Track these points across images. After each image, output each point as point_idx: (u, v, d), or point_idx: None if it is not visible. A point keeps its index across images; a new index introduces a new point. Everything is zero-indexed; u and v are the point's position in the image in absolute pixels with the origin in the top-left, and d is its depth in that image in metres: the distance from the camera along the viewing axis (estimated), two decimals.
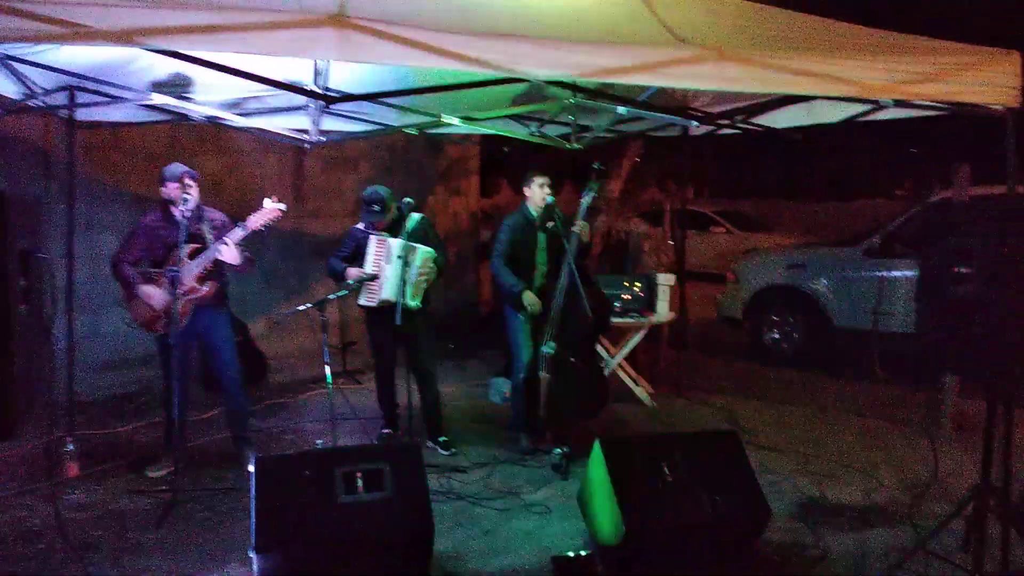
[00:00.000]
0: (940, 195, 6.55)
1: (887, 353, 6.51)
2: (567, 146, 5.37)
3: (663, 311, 6.23)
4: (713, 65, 3.02)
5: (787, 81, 3.11)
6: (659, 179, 9.40)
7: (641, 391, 6.13)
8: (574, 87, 4.14)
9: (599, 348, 6.02)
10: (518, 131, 5.40)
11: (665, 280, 6.27)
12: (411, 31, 2.78)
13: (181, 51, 2.90)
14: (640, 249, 6.99)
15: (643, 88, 4.39)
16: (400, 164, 8.28)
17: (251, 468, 3.07)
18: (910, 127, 4.89)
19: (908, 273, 6.55)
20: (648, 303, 6.15)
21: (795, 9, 4.07)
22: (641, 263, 6.92)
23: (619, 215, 8.34)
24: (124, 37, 2.54)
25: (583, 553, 3.48)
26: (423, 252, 4.68)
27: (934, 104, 3.50)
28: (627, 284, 6.14)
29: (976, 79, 3.38)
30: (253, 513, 2.95)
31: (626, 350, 6.10)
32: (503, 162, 12.13)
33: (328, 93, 4.02)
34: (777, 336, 7.81)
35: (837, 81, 3.14)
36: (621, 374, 6.14)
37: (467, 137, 8.72)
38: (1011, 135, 3.51)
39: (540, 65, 2.83)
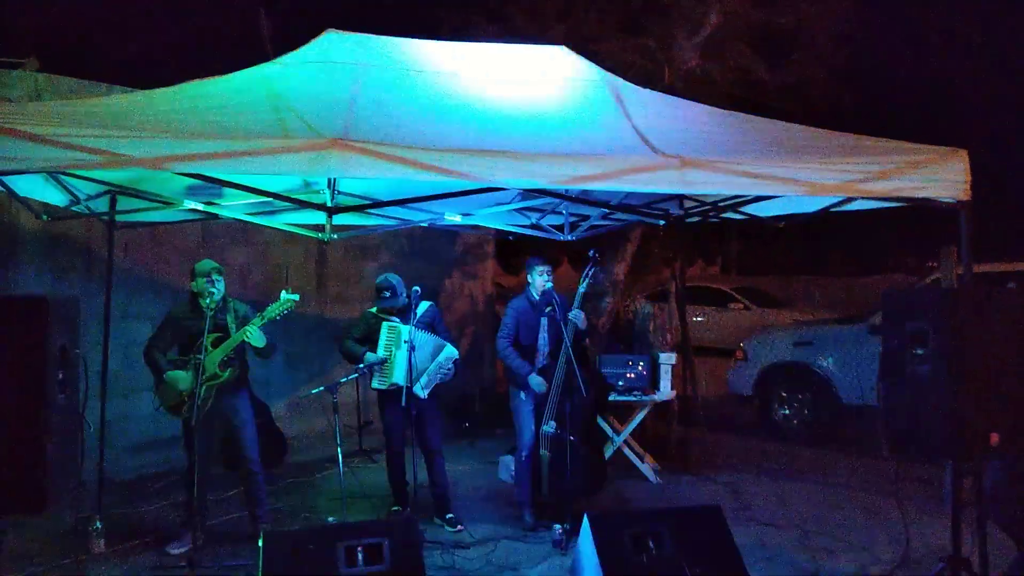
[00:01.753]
0: (935, 275, 6.75)
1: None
2: (562, 237, 5.73)
3: (665, 389, 6.45)
4: (676, 171, 3.36)
5: (744, 184, 3.44)
6: (665, 260, 9.69)
7: (647, 467, 6.28)
8: (552, 193, 4.48)
9: (606, 426, 6.23)
10: (517, 222, 5.77)
11: (667, 359, 6.51)
12: (404, 151, 3.18)
13: (205, 173, 3.33)
14: (646, 329, 7.24)
15: None
16: (418, 250, 8.72)
17: (260, 542, 3.33)
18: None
19: None
20: (651, 382, 6.38)
21: (766, 114, 4.46)
22: (647, 342, 7.17)
23: (625, 296, 8.63)
24: (155, 164, 2.97)
25: None
26: (448, 351, 5.01)
27: (890, 198, 3.78)
28: (630, 363, 6.38)
29: (928, 175, 3.69)
30: None
31: (631, 427, 6.29)
32: (521, 245, 12.53)
33: (337, 199, 4.44)
34: (787, 412, 7.93)
35: (791, 183, 3.47)
36: (627, 451, 6.31)
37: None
38: (965, 226, 3.78)
39: (515, 175, 3.20)
